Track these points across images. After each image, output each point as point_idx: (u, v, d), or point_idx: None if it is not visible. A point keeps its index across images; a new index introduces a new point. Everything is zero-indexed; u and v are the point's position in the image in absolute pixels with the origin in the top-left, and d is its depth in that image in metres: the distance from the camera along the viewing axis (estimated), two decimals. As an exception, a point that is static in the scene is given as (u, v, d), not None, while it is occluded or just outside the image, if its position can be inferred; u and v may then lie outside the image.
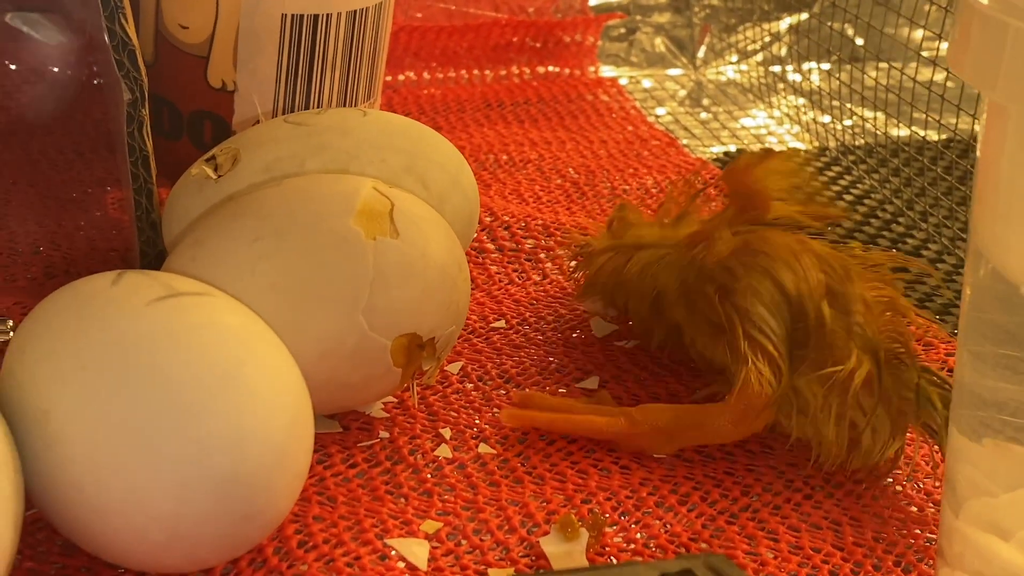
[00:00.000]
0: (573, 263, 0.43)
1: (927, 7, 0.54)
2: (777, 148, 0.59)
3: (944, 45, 0.60)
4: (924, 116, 0.53)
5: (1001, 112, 0.24)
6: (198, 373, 0.27)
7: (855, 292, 0.34)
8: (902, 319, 0.35)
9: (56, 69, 0.55)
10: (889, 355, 0.34)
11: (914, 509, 0.35)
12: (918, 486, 0.36)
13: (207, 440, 0.27)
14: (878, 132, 0.58)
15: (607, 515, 0.33)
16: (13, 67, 0.55)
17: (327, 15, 0.47)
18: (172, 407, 0.27)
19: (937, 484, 0.36)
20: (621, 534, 0.33)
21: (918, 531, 0.34)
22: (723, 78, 0.67)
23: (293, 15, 0.46)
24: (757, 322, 0.33)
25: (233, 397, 0.28)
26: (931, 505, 0.35)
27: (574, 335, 0.42)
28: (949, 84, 0.51)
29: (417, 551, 0.31)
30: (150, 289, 0.29)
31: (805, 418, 0.34)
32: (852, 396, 0.33)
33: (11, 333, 0.36)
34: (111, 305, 0.29)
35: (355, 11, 0.47)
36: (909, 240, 0.51)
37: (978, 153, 0.25)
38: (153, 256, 0.40)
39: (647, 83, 0.66)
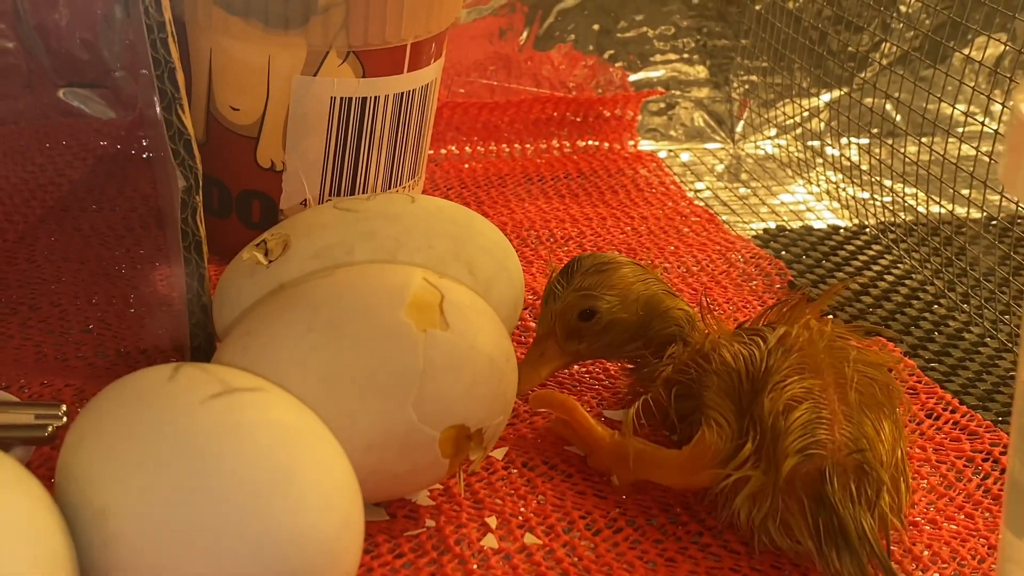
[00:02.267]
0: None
1: (969, 82, 0.54)
2: (816, 224, 0.60)
3: (983, 119, 0.60)
4: (967, 192, 0.53)
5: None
6: (253, 474, 0.28)
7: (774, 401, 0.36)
8: (871, 420, 0.36)
9: (106, 144, 0.57)
10: (816, 462, 0.34)
11: (961, 606, 0.35)
12: (965, 583, 0.36)
13: (261, 541, 0.27)
14: (918, 209, 0.58)
15: (653, 610, 0.33)
16: (64, 143, 0.56)
17: (375, 98, 0.48)
18: (227, 507, 0.27)
19: (984, 580, 0.36)
20: (667, 630, 0.33)
21: (966, 630, 0.34)
22: (761, 152, 0.68)
23: (342, 98, 0.47)
24: (710, 403, 0.37)
25: (287, 498, 0.28)
26: (979, 603, 0.35)
27: (617, 417, 0.42)
28: (983, 159, 0.51)
29: (464, 646, 0.32)
30: (206, 385, 0.30)
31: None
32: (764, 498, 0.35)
33: (64, 419, 0.36)
34: (168, 402, 0.29)
35: (402, 93, 0.48)
36: (951, 323, 0.51)
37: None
38: (203, 339, 0.41)
39: (685, 156, 0.66)
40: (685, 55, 0.68)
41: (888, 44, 0.66)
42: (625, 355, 0.42)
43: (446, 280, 0.36)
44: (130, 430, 0.29)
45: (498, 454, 0.40)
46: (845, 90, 0.65)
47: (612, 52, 0.66)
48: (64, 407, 0.37)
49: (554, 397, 0.40)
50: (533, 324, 0.47)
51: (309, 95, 0.46)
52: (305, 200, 0.48)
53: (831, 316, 0.50)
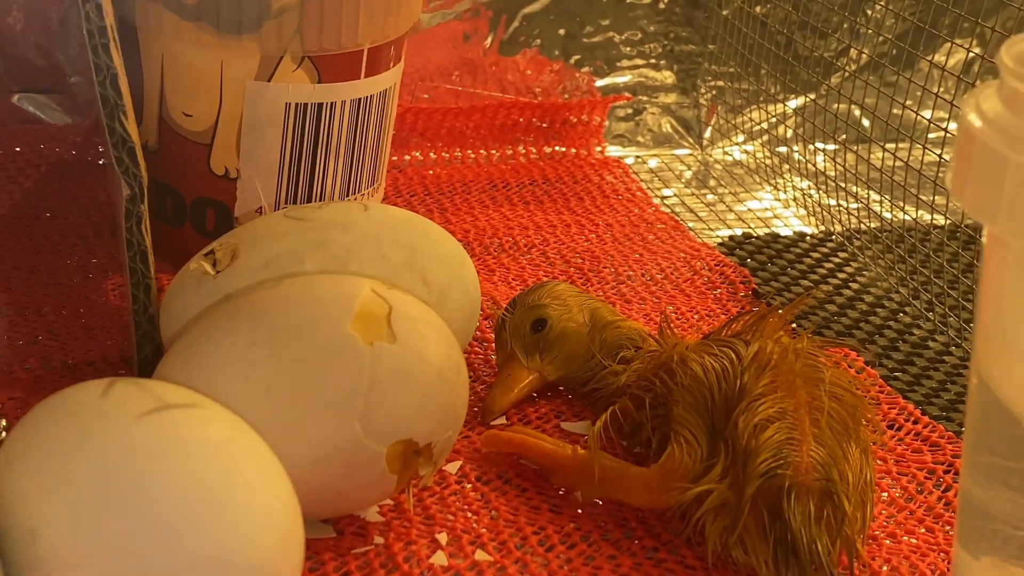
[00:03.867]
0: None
1: (936, 88, 0.54)
2: (782, 231, 0.59)
3: (952, 126, 0.59)
4: (931, 199, 0.52)
5: (1001, 245, 0.24)
6: (185, 492, 0.27)
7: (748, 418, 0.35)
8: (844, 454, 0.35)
9: (60, 150, 0.56)
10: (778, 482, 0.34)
11: (919, 623, 0.34)
12: (923, 598, 0.35)
13: (194, 561, 0.27)
14: (884, 217, 0.57)
15: (604, 629, 0.33)
16: (18, 149, 0.55)
17: (331, 104, 0.47)
18: (158, 527, 0.27)
19: (943, 596, 0.35)
20: (618, 649, 0.32)
21: (923, 647, 0.33)
22: (729, 158, 0.67)
23: (297, 104, 0.46)
24: (679, 420, 0.36)
25: (220, 517, 0.27)
26: (936, 619, 0.34)
27: (574, 429, 0.41)
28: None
29: (409, 667, 0.31)
30: (140, 401, 0.29)
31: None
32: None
33: (3, 434, 0.35)
34: (99, 419, 0.28)
35: (359, 99, 0.47)
36: (915, 332, 0.50)
37: (979, 285, 0.25)
38: (150, 350, 0.40)
39: (653, 163, 0.66)
40: (652, 60, 0.67)
41: (856, 50, 0.65)
42: (588, 373, 0.42)
43: (395, 291, 0.36)
44: (60, 447, 0.28)
45: (452, 468, 0.39)
46: (813, 96, 0.64)
47: (578, 57, 0.66)
48: (4, 421, 0.36)
49: (501, 438, 0.39)
50: (491, 335, 0.47)
51: (263, 101, 0.46)
52: (260, 208, 0.48)
53: (800, 329, 0.49)
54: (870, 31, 0.64)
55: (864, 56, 0.65)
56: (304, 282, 0.36)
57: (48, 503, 0.27)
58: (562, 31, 0.65)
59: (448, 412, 0.35)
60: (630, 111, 0.67)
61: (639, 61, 0.67)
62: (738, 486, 0.34)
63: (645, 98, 0.67)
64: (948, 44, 0.62)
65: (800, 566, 0.33)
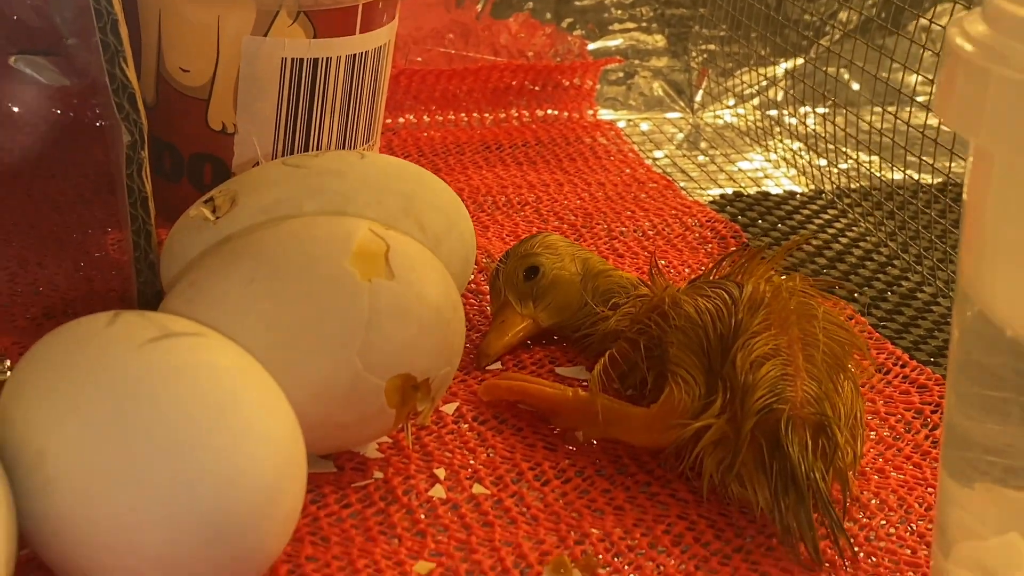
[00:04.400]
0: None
1: (922, 52, 0.55)
2: (773, 191, 0.60)
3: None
4: (918, 160, 0.53)
5: (985, 157, 0.24)
6: (190, 412, 0.28)
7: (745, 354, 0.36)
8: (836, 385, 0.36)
9: (59, 112, 0.56)
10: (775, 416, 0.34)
11: (907, 551, 0.35)
12: (911, 528, 0.36)
13: (197, 479, 0.27)
14: (874, 176, 0.58)
15: (600, 556, 0.33)
16: (16, 109, 0.55)
17: (327, 59, 0.47)
18: (163, 446, 0.27)
19: (930, 527, 0.36)
20: (614, 575, 0.33)
21: (911, 573, 0.34)
22: (720, 121, 0.68)
23: (293, 59, 0.47)
24: (675, 360, 0.37)
25: (224, 436, 0.28)
26: (924, 547, 0.35)
27: (568, 374, 0.42)
28: (944, 129, 0.52)
29: (410, 592, 0.32)
30: (144, 330, 0.29)
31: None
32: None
33: (8, 373, 0.36)
34: (105, 346, 0.29)
35: (354, 55, 0.48)
36: (904, 283, 0.51)
37: (964, 197, 0.26)
38: (151, 297, 0.40)
39: (645, 126, 0.66)
40: (643, 24, 0.68)
41: (847, 11, 0.66)
42: (580, 320, 0.43)
43: (393, 232, 0.36)
44: (67, 373, 0.28)
45: (449, 409, 0.40)
46: (804, 58, 0.65)
47: (570, 20, 0.66)
48: (8, 362, 0.37)
49: (500, 386, 0.40)
50: (486, 287, 0.47)
51: (259, 56, 0.46)
52: (257, 163, 0.48)
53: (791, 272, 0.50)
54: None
55: (855, 17, 0.66)
56: (303, 222, 0.36)
57: (56, 426, 0.28)
58: (554, -5, 0.66)
59: (445, 348, 0.35)
60: (621, 75, 0.68)
61: (630, 25, 0.68)
62: (736, 421, 0.35)
63: (637, 62, 0.68)
64: (940, 6, 0.63)
65: (799, 494, 0.34)
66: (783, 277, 0.39)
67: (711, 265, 0.41)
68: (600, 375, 0.39)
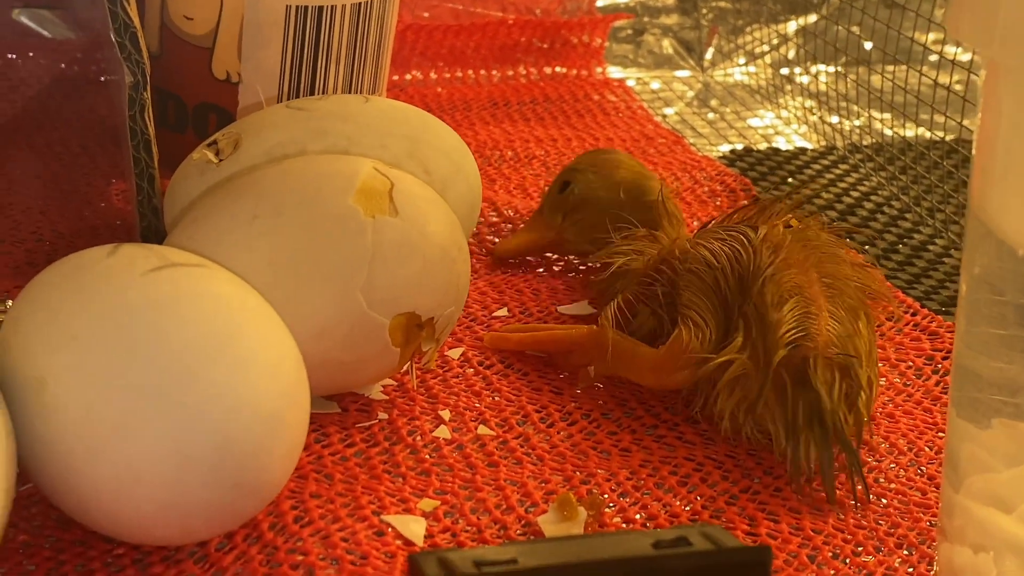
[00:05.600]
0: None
1: (934, 9, 0.54)
2: (784, 148, 0.59)
3: (952, 49, 0.59)
4: (930, 117, 0.52)
5: (997, 72, 0.24)
6: (191, 341, 0.27)
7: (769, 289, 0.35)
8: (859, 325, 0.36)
9: (63, 65, 0.56)
10: (800, 354, 0.34)
11: (917, 493, 0.34)
12: (921, 470, 0.35)
13: (199, 407, 0.27)
14: (886, 132, 0.57)
15: (606, 495, 0.33)
16: (20, 62, 0.55)
17: (331, 7, 0.47)
18: (164, 374, 0.27)
19: (940, 470, 0.35)
20: (620, 514, 0.33)
21: (920, 514, 0.34)
22: (731, 80, 0.67)
23: (298, 7, 0.46)
24: (686, 303, 0.37)
25: (226, 365, 0.27)
26: (933, 489, 0.35)
27: (571, 311, 0.42)
28: (957, 86, 0.51)
29: (414, 528, 0.31)
30: (145, 260, 0.29)
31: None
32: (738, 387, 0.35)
33: (10, 312, 0.36)
34: (106, 275, 0.29)
35: (359, 4, 0.47)
36: (916, 236, 0.51)
37: (978, 118, 0.25)
38: (155, 241, 0.40)
39: (655, 84, 0.66)
40: (653, -20, 0.67)
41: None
42: (605, 244, 0.42)
43: (398, 171, 0.36)
44: (67, 302, 0.28)
45: (454, 354, 0.39)
46: (815, 16, 0.64)
47: (579, -23, 0.66)
48: (10, 302, 0.36)
49: (510, 340, 0.40)
50: (491, 239, 0.47)
51: (263, 3, 0.46)
52: (262, 112, 0.48)
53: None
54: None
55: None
56: (306, 160, 0.36)
57: (57, 353, 0.27)
58: (563, -49, 0.65)
59: (450, 287, 0.35)
60: (630, 32, 0.67)
61: (640, -19, 0.67)
62: (757, 358, 0.34)
63: (646, 19, 0.67)
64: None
65: (824, 432, 0.33)
66: (798, 223, 0.38)
67: (719, 217, 0.41)
68: (614, 312, 0.38)
